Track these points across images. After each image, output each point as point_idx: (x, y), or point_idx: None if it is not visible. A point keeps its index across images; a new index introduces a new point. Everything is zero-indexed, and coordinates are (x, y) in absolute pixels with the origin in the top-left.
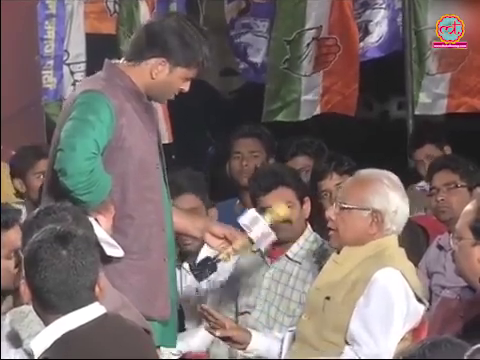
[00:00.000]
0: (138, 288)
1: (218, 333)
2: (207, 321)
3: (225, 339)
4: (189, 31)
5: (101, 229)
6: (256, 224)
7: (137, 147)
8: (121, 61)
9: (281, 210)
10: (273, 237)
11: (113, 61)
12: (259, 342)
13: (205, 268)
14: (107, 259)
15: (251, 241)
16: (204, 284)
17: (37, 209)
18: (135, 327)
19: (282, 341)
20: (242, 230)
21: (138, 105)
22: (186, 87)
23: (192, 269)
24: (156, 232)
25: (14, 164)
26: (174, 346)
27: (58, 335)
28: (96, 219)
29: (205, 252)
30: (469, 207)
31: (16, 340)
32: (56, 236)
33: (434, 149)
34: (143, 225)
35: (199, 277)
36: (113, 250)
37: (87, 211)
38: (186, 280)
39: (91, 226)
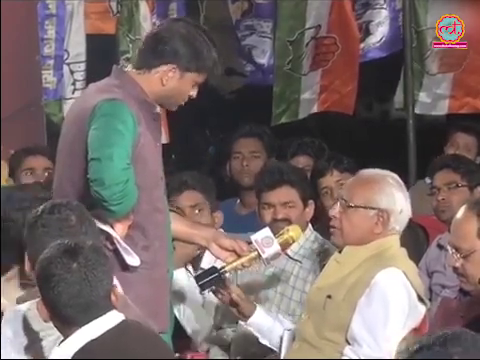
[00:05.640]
0: (144, 299)
1: (226, 298)
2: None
3: (232, 305)
4: (198, 37)
5: (118, 237)
6: (269, 246)
7: (150, 157)
8: (129, 68)
9: (295, 233)
10: (281, 255)
11: (122, 67)
12: (262, 318)
13: (211, 279)
14: (116, 267)
15: (259, 256)
16: None
17: (41, 207)
18: (154, 332)
19: (281, 339)
20: (249, 241)
21: (147, 114)
22: (194, 92)
23: (195, 278)
24: (163, 243)
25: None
26: None
27: (79, 346)
28: (112, 226)
29: (208, 256)
30: (466, 218)
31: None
32: (65, 250)
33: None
34: (154, 236)
35: (203, 287)
36: (130, 258)
37: (105, 218)
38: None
39: (94, 226)
